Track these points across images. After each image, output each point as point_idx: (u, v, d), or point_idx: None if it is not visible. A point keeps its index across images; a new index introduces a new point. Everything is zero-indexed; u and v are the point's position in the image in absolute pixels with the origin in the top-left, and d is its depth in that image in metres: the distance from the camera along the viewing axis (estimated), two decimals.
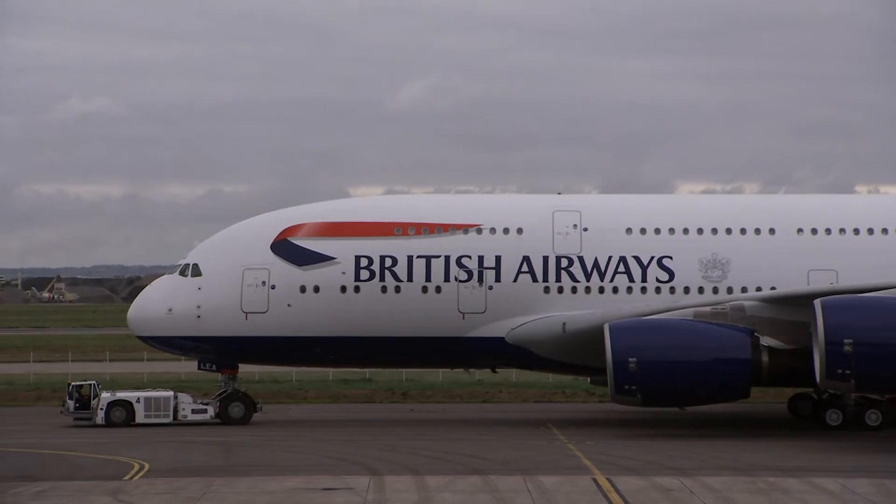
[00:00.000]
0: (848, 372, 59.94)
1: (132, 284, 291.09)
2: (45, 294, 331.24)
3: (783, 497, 43.63)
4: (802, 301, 62.58)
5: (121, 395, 69.57)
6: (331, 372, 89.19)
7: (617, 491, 44.50)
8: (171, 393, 69.72)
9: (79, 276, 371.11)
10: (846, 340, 59.54)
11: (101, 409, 68.09)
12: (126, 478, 49.15)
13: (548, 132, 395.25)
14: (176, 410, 68.68)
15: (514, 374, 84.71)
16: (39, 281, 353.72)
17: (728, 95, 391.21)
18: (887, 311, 61.27)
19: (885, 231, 69.86)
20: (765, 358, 63.60)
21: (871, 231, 69.84)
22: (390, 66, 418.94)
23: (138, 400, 68.65)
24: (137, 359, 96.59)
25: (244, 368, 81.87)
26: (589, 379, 72.81)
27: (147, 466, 52.02)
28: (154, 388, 72.87)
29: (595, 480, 47.18)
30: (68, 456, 56.25)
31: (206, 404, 69.50)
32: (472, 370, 78.26)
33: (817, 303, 60.59)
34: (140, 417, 68.07)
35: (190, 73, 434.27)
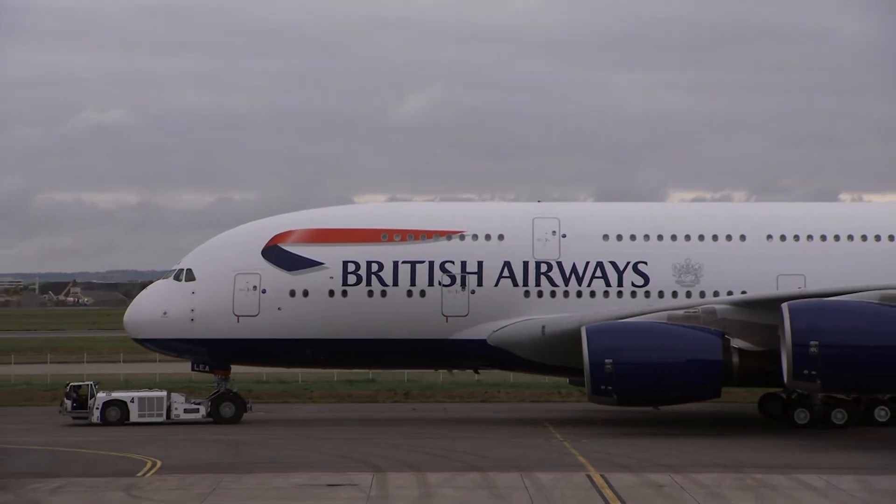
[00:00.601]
0: (814, 372, 60.01)
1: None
2: (70, 298, 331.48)
3: (771, 493, 43.69)
4: (771, 305, 62.70)
5: (116, 395, 69.69)
6: (335, 373, 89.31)
7: (611, 487, 44.67)
8: (164, 393, 69.87)
9: (94, 281, 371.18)
10: (812, 342, 59.62)
11: (97, 408, 68.15)
12: (139, 474, 49.36)
13: (545, 141, 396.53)
14: (169, 410, 68.72)
15: (511, 376, 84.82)
16: (56, 285, 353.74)
17: (718, 106, 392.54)
18: (851, 314, 61.35)
19: (850, 238, 69.94)
20: (735, 359, 63.80)
21: (837, 238, 69.98)
22: (393, 79, 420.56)
23: (132, 400, 68.78)
24: (150, 360, 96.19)
25: (252, 370, 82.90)
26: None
27: (159, 463, 52.28)
28: (165, 388, 72.49)
29: (590, 477, 47.40)
30: (83, 453, 56.34)
31: (199, 404, 69.58)
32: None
33: (785, 306, 60.73)
34: (134, 416, 68.15)
35: (201, 85, 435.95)
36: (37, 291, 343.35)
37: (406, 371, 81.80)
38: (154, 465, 51.96)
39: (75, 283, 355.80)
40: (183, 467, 51.12)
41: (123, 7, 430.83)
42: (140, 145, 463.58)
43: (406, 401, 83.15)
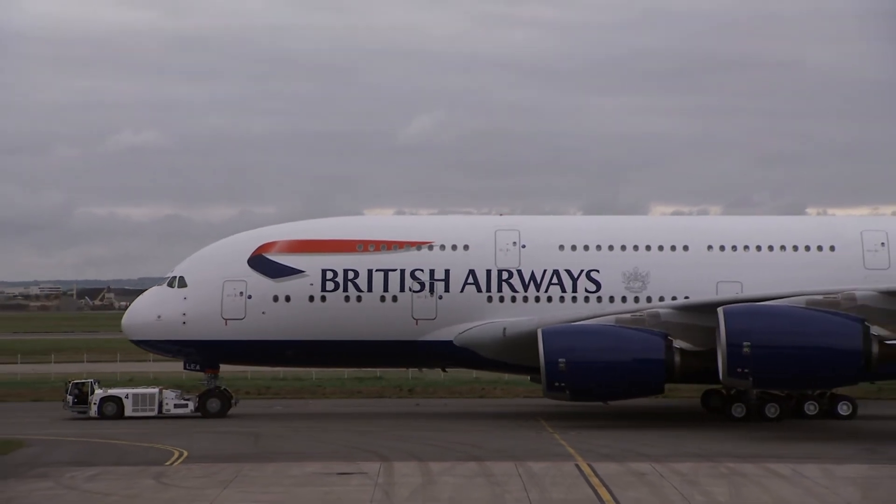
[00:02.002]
0: (746, 370, 60.27)
1: None
2: (123, 304, 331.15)
3: (742, 480, 43.67)
4: (709, 309, 62.78)
5: (112, 391, 69.92)
6: (346, 372, 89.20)
7: (597, 475, 44.70)
8: (156, 389, 70.05)
9: (127, 287, 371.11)
10: (744, 343, 59.91)
11: (95, 403, 68.62)
12: (167, 463, 49.51)
13: (538, 160, 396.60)
14: (161, 405, 69.07)
15: (506, 375, 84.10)
16: (92, 291, 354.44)
17: (696, 128, 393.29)
18: (780, 317, 61.54)
19: (783, 248, 70.30)
20: (677, 358, 63.82)
21: (771, 248, 70.35)
22: (401, 103, 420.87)
23: (127, 396, 69.08)
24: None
25: (273, 370, 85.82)
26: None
27: (186, 453, 52.34)
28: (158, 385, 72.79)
29: (578, 466, 47.43)
30: (116, 444, 56.52)
31: (188, 399, 69.72)
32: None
33: (720, 310, 60.99)
34: (129, 411, 68.40)
35: (227, 109, 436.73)
36: (74, 297, 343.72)
37: (410, 370, 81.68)
38: (181, 455, 52.07)
39: (109, 290, 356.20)
40: (207, 457, 51.25)
41: (156, 38, 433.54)
42: (171, 164, 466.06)
43: (410, 396, 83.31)
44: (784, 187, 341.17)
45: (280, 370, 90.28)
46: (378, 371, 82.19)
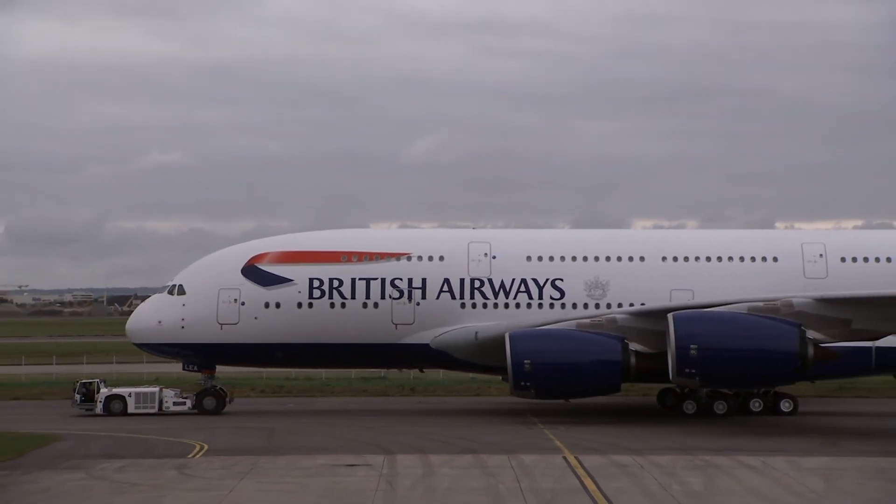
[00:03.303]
0: (693, 371, 60.25)
1: None
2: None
3: (716, 472, 43.65)
4: (661, 314, 62.66)
5: (116, 390, 69.63)
6: (353, 372, 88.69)
7: (583, 467, 44.66)
8: (157, 388, 69.93)
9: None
10: (692, 346, 59.88)
11: (101, 401, 68.41)
12: (189, 456, 49.41)
13: (532, 178, 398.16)
14: (161, 403, 68.91)
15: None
16: (121, 298, 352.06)
17: (675, 149, 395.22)
18: (724, 322, 61.47)
19: (731, 259, 70.31)
20: (633, 360, 63.66)
21: (720, 259, 70.36)
22: (405, 126, 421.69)
23: (130, 394, 68.83)
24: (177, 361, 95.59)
25: (286, 371, 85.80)
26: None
27: (206, 447, 52.26)
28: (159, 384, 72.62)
29: (565, 458, 47.31)
30: (142, 438, 56.40)
31: (186, 398, 69.57)
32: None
33: (670, 316, 61.03)
34: (132, 408, 68.12)
35: (245, 132, 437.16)
36: (105, 304, 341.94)
37: (412, 371, 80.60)
38: (202, 448, 52.00)
39: (137, 297, 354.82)
40: (226, 450, 51.11)
41: (181, 67, 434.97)
42: (194, 182, 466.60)
43: (412, 395, 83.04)
44: (755, 203, 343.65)
45: (292, 371, 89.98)
46: (382, 371, 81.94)
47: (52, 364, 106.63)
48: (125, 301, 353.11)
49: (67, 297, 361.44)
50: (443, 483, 41.61)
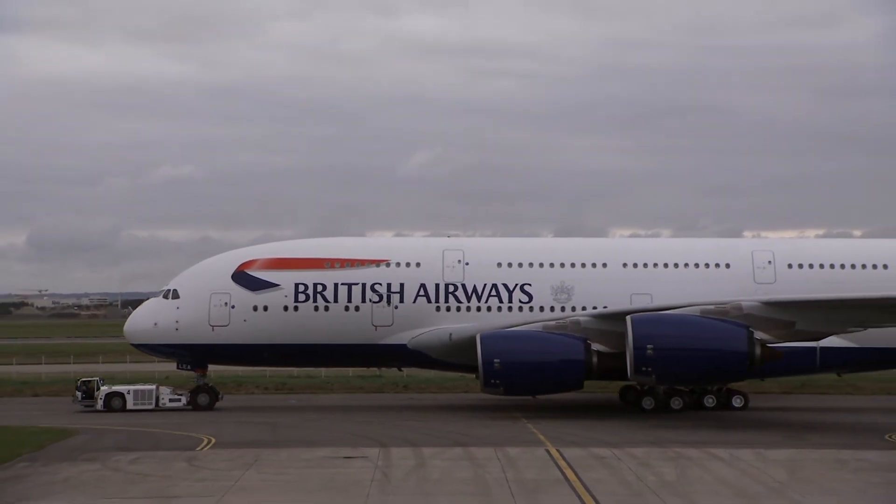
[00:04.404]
0: (649, 369, 60.71)
1: None
2: None
3: (688, 463, 43.72)
4: (621, 317, 62.95)
5: (115, 388, 69.32)
6: (350, 371, 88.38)
7: (564, 458, 44.75)
8: (153, 386, 69.63)
9: None
10: (648, 346, 60.35)
11: (101, 398, 68.16)
12: (198, 449, 49.39)
13: (519, 190, 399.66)
14: (158, 399, 68.66)
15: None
16: (134, 302, 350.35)
17: (650, 164, 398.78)
18: (678, 324, 61.98)
19: (686, 265, 70.63)
20: (594, 359, 63.84)
21: (676, 265, 70.66)
22: (402, 142, 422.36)
23: (128, 392, 68.54)
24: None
25: (288, 370, 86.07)
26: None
27: (214, 440, 52.27)
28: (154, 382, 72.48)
29: (548, 451, 47.36)
30: (154, 432, 56.33)
31: (180, 395, 69.35)
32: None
33: (628, 318, 61.38)
34: (130, 405, 67.82)
35: (252, 147, 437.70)
36: (119, 307, 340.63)
37: (404, 370, 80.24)
38: (209, 441, 51.96)
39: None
40: (232, 443, 51.10)
41: (193, 87, 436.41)
42: (204, 193, 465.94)
43: (406, 391, 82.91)
44: (724, 214, 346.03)
45: (294, 370, 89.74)
46: (378, 370, 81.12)
47: (70, 363, 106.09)
48: (138, 305, 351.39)
49: (84, 301, 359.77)
50: (434, 474, 41.61)
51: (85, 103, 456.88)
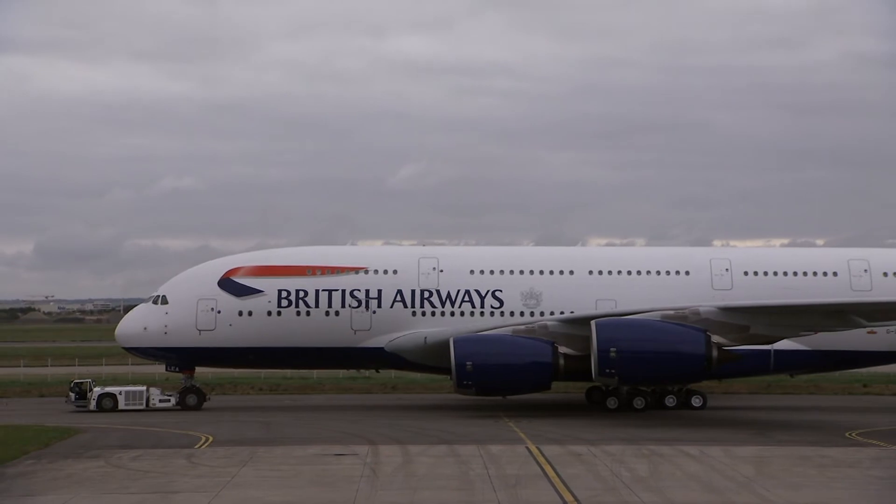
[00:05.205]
0: (613, 371, 60.98)
1: None
2: None
3: (661, 459, 43.79)
4: (586, 321, 63.22)
5: (107, 389, 68.99)
6: (341, 372, 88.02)
7: (543, 455, 44.80)
8: (144, 387, 69.36)
9: None
10: (611, 349, 60.63)
11: (94, 399, 67.84)
12: (196, 447, 49.16)
13: (501, 202, 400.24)
14: (148, 400, 68.37)
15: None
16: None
17: (625, 177, 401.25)
18: (640, 328, 62.42)
19: (648, 273, 70.76)
20: (561, 361, 63.98)
21: (639, 272, 70.80)
22: (389, 156, 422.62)
23: (120, 392, 68.21)
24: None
25: (282, 372, 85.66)
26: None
27: (211, 438, 52.07)
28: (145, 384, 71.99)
29: (528, 448, 47.39)
30: (155, 431, 56.13)
31: (170, 395, 69.01)
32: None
33: (593, 323, 61.75)
34: (122, 405, 67.52)
35: (249, 161, 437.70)
36: (122, 312, 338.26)
37: (393, 371, 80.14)
38: (207, 439, 51.79)
39: None
40: (229, 441, 50.90)
41: (192, 104, 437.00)
42: (204, 204, 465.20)
43: (393, 392, 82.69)
44: (695, 224, 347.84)
45: (288, 371, 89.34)
46: (367, 372, 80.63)
47: (74, 365, 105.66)
48: None
49: (89, 307, 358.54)
50: (420, 470, 41.61)
51: (91, 119, 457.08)
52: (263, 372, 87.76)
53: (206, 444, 50.44)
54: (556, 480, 38.74)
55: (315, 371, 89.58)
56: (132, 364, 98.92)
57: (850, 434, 54.70)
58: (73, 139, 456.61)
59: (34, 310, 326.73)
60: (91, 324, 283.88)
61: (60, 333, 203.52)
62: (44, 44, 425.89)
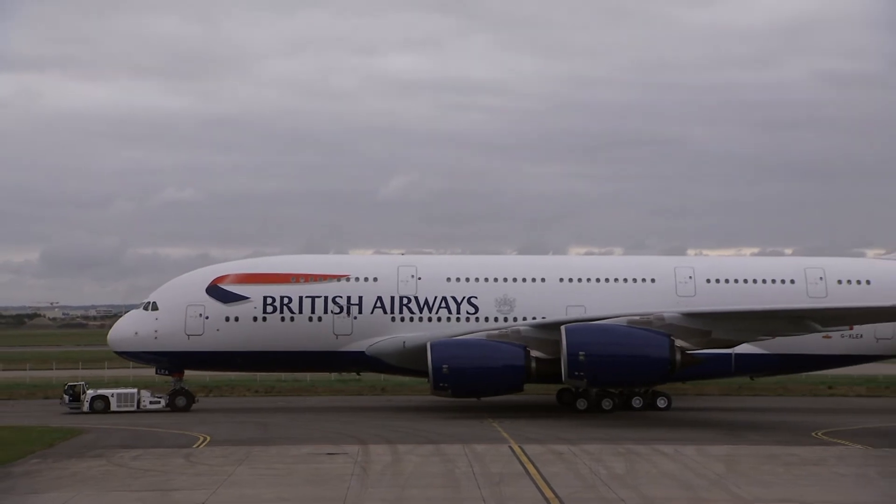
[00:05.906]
0: (581, 373, 61.12)
1: None
2: None
3: (637, 458, 43.86)
4: (556, 326, 63.36)
5: (100, 391, 68.73)
6: (332, 375, 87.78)
7: (525, 454, 44.80)
8: (135, 390, 69.10)
9: None
10: (580, 353, 60.79)
11: (87, 401, 67.49)
12: (195, 446, 49.05)
13: (486, 213, 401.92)
14: (139, 402, 68.09)
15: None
16: None
17: (604, 189, 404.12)
18: (607, 333, 62.51)
19: (616, 280, 70.98)
20: (533, 364, 64.10)
21: (607, 280, 71.04)
22: (382, 169, 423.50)
23: (112, 395, 67.99)
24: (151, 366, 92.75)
25: (276, 375, 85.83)
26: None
27: (209, 438, 51.94)
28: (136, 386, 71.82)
29: (511, 447, 47.31)
30: (155, 431, 55.95)
31: (160, 397, 68.72)
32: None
33: (562, 328, 61.90)
34: (114, 407, 67.18)
35: (247, 173, 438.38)
36: None
37: (382, 374, 78.90)
38: (205, 439, 51.67)
39: None
40: (226, 441, 50.74)
41: (192, 118, 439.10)
42: (203, 215, 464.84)
43: (383, 394, 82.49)
44: (670, 234, 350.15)
45: (282, 375, 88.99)
46: (357, 374, 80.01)
47: (78, 369, 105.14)
48: None
49: (92, 313, 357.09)
50: (408, 468, 41.64)
51: (95, 133, 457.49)
52: (259, 375, 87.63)
53: (204, 444, 50.31)
54: (537, 478, 38.81)
55: (308, 374, 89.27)
56: (133, 367, 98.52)
57: (816, 433, 54.98)
58: (79, 153, 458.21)
59: (39, 315, 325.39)
60: (94, 329, 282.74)
61: (64, 338, 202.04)
62: (50, 61, 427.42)
